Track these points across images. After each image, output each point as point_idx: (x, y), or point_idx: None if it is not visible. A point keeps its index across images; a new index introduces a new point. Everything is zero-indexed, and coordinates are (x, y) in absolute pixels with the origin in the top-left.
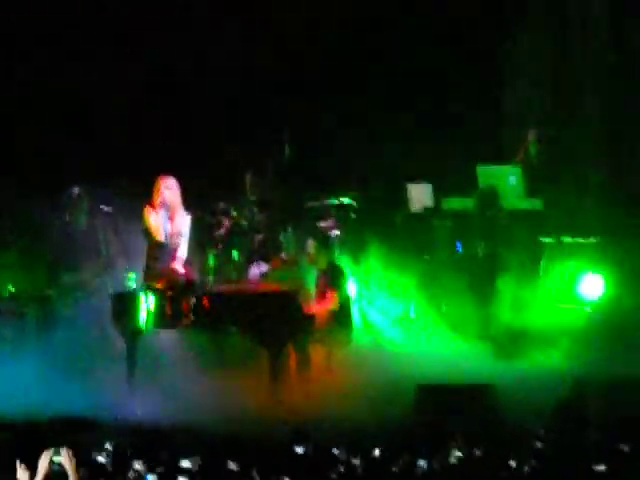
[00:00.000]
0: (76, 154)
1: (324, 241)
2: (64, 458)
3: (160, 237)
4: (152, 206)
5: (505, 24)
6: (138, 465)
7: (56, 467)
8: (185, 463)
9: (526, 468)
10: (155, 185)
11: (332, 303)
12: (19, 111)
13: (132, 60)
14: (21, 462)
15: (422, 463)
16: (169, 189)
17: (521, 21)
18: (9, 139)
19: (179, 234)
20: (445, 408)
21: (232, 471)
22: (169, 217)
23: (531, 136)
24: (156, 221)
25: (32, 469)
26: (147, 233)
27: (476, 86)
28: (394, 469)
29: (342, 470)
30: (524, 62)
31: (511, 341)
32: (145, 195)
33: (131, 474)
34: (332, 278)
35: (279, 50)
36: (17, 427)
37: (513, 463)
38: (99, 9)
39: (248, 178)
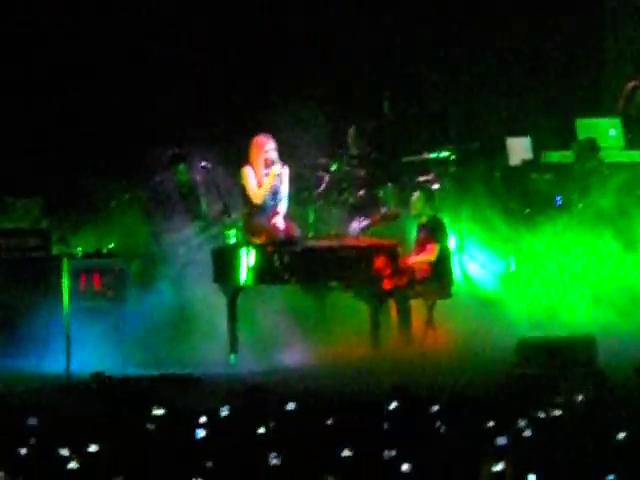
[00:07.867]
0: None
1: (428, 194)
2: None
3: (259, 200)
4: (251, 165)
5: None
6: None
7: None
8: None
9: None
10: (253, 144)
11: (431, 254)
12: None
13: None
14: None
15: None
16: (269, 148)
17: None
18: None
19: (278, 190)
20: (547, 361)
21: (329, 425)
22: (267, 174)
23: (630, 87)
24: (255, 181)
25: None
26: (246, 194)
27: (576, 38)
28: (495, 422)
29: (440, 425)
30: (625, 12)
31: (610, 294)
32: (243, 150)
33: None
34: (433, 231)
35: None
36: (118, 385)
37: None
38: None
39: (349, 133)
